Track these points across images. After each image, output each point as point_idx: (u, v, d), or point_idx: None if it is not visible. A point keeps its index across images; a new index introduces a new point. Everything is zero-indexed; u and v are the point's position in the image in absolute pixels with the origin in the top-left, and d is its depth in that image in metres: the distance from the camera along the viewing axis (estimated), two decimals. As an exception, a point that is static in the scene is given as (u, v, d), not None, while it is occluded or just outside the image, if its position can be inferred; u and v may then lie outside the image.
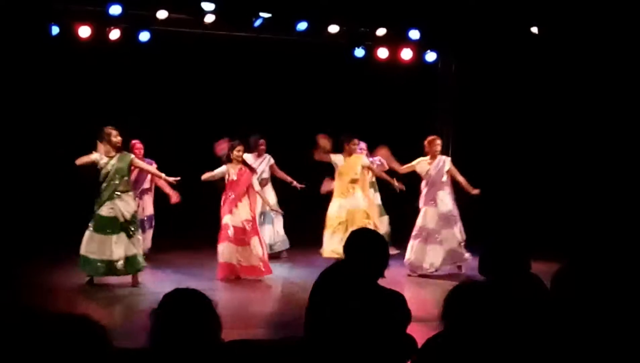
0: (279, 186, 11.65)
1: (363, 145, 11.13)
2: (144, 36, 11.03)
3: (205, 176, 9.92)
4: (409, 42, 12.18)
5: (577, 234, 11.00)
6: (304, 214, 11.59)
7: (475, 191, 10.28)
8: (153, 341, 2.96)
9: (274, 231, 11.43)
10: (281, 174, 11.52)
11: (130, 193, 9.34)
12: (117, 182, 9.09)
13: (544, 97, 12.47)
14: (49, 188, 11.08)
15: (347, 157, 10.45)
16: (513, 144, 12.44)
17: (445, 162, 10.36)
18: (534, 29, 11.64)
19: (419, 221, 10.31)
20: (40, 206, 10.72)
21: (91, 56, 11.37)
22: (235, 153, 9.86)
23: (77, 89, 12.09)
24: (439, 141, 10.40)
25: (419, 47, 12.33)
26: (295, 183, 11.40)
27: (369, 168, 10.78)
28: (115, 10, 10.55)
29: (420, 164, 10.41)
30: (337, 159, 10.49)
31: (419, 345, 3.51)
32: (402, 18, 11.79)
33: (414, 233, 10.34)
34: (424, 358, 3.30)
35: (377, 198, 11.65)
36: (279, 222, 11.49)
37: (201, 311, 3.01)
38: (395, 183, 10.56)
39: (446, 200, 10.25)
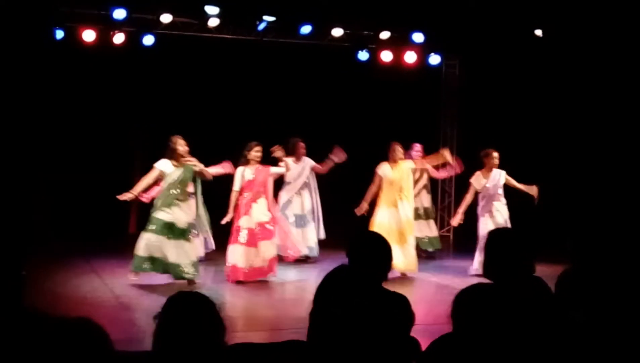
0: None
1: (419, 147, 11.13)
2: (148, 40, 11.04)
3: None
4: (412, 45, 12.19)
5: (581, 236, 10.96)
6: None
7: (535, 191, 10.37)
8: (156, 344, 2.95)
9: (305, 236, 11.18)
10: (324, 167, 11.19)
11: (189, 203, 9.37)
12: (178, 191, 9.16)
13: (548, 100, 12.45)
14: (55, 191, 11.10)
15: (394, 165, 10.19)
16: (517, 146, 12.42)
17: (501, 175, 10.41)
18: (538, 32, 11.62)
19: (481, 232, 10.18)
20: (46, 209, 10.72)
21: (95, 59, 11.39)
22: (253, 153, 9.75)
23: (81, 93, 12.12)
24: (496, 154, 10.40)
25: (423, 50, 12.34)
26: (334, 158, 11.05)
27: (424, 169, 10.95)
28: (119, 14, 10.56)
29: (477, 179, 10.45)
30: (384, 169, 10.18)
31: (423, 348, 3.50)
32: (405, 21, 11.79)
33: (480, 245, 10.13)
34: (428, 361, 3.29)
35: (427, 200, 11.76)
36: (311, 227, 11.26)
37: (205, 315, 2.99)
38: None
39: (502, 210, 10.39)
